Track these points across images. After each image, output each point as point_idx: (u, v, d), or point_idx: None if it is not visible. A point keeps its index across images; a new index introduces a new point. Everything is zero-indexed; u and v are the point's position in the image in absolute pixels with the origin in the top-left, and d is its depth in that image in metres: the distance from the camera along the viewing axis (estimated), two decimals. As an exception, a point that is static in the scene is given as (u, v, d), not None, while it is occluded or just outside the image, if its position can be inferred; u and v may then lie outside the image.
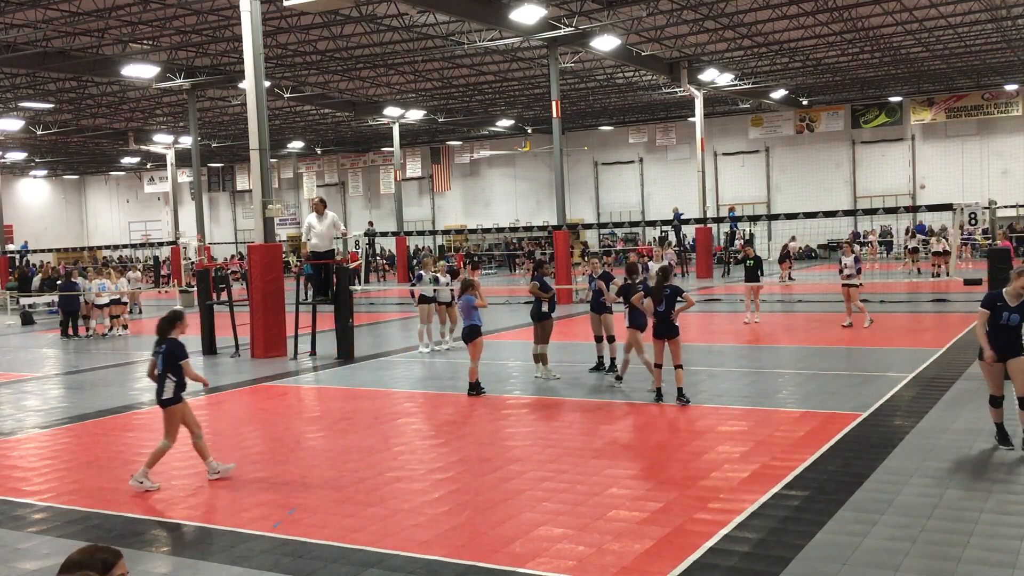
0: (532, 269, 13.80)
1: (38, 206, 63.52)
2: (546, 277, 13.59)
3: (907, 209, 27.72)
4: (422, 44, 28.50)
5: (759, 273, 19.08)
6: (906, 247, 29.74)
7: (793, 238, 32.65)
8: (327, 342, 17.29)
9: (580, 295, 25.60)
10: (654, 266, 17.37)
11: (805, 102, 43.89)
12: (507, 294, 29.60)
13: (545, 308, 13.15)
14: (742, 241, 38.00)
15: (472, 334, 12.32)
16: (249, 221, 55.63)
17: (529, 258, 40.52)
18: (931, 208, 21.31)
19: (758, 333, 17.75)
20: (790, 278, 30.29)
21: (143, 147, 44.30)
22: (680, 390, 11.03)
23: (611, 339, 13.56)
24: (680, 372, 11.07)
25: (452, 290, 16.91)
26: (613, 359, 13.54)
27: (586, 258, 28.58)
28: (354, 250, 20.08)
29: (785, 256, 31.09)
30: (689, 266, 36.75)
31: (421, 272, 17.53)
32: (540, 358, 13.27)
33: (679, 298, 11.05)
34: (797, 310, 22.64)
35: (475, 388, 12.33)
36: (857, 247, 28.46)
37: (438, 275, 17.65)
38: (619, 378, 12.56)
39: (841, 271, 18.24)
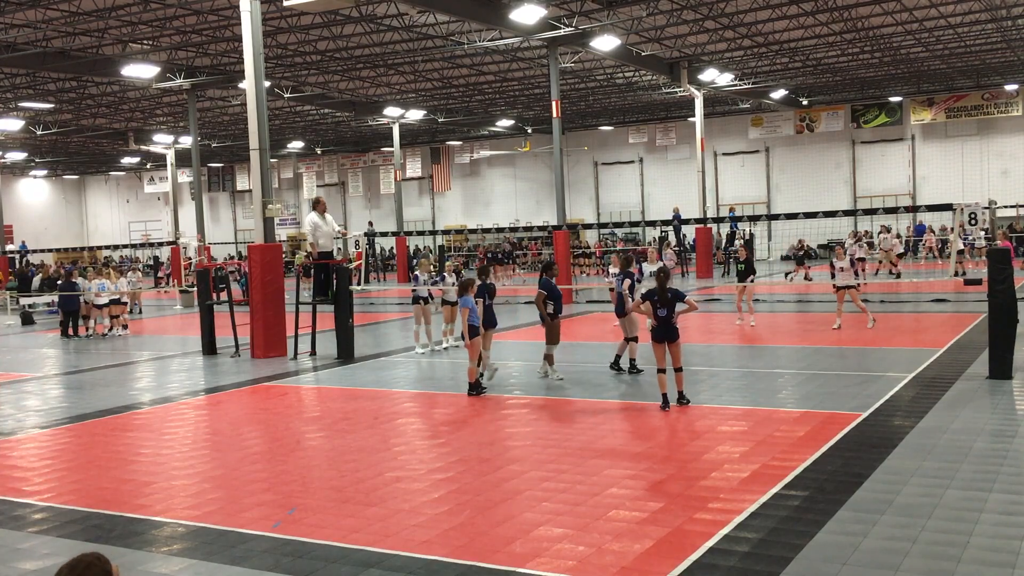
0: (541, 270, 13.84)
1: (38, 206, 63.54)
2: (553, 279, 13.54)
3: (907, 209, 27.78)
4: (422, 44, 28.52)
5: (749, 275, 19.13)
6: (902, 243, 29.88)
7: (800, 240, 32.62)
8: (327, 342, 17.29)
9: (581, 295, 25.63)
10: (648, 267, 17.32)
11: (805, 102, 43.91)
12: (507, 294, 29.59)
13: (551, 309, 13.16)
14: (741, 242, 38.04)
15: (470, 333, 12.34)
16: (249, 221, 55.66)
17: (495, 262, 40.19)
18: (931, 208, 21.31)
19: (757, 333, 17.75)
20: (792, 279, 30.30)
21: (143, 147, 44.33)
22: (681, 393, 10.94)
23: (634, 339, 13.56)
24: (680, 375, 10.96)
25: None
26: (632, 359, 13.46)
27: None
28: (358, 250, 20.07)
29: (804, 256, 31.09)
30: (689, 266, 36.77)
31: (417, 273, 17.49)
32: (547, 358, 13.26)
33: (682, 302, 10.96)
34: (797, 310, 22.64)
35: (475, 388, 12.33)
36: (853, 247, 28.69)
37: (445, 274, 17.68)
38: (481, 384, 12.59)
39: (833, 275, 17.90)
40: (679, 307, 10.93)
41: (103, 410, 12.45)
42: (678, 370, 10.91)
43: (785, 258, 38.94)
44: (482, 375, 12.73)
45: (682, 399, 10.94)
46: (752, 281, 18.89)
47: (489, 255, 41.01)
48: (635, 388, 12.44)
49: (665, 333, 10.81)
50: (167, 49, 27.98)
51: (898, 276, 28.92)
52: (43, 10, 22.82)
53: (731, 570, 5.88)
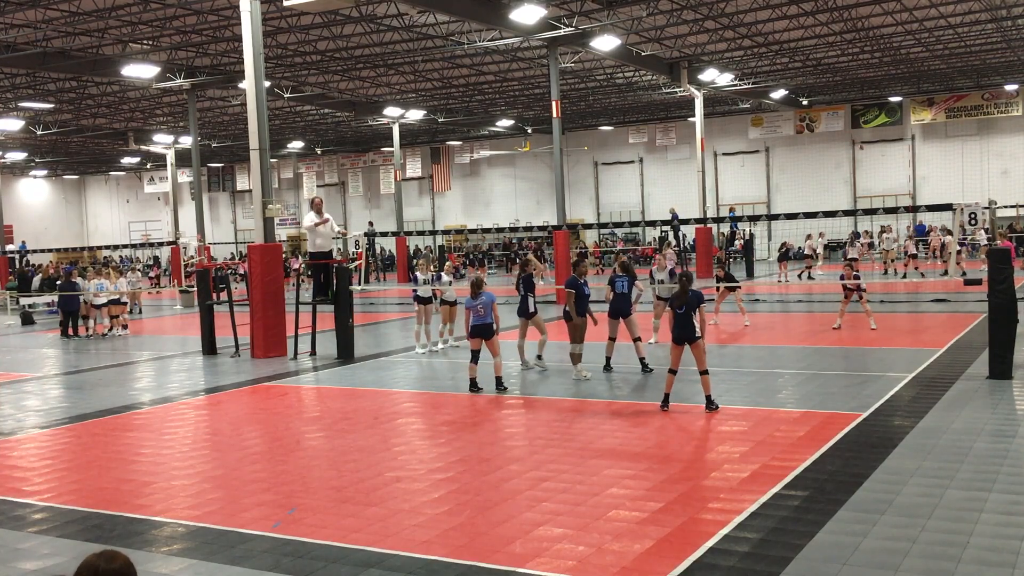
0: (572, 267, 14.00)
1: (38, 206, 63.53)
2: (583, 278, 13.63)
3: (907, 209, 27.79)
4: (422, 44, 28.51)
5: (731, 282, 19.55)
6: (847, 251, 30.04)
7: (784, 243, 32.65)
8: (327, 342, 17.28)
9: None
10: (657, 274, 17.17)
11: (805, 102, 43.90)
12: (507, 294, 29.58)
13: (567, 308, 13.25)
14: (741, 242, 38.08)
15: (488, 331, 12.40)
16: (249, 221, 55.64)
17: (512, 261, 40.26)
18: (931, 208, 21.29)
19: (756, 333, 17.74)
20: (784, 279, 30.38)
21: (143, 147, 44.33)
22: (708, 397, 10.64)
23: (638, 339, 13.60)
24: (706, 378, 10.65)
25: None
26: (643, 359, 13.44)
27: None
28: (359, 250, 20.14)
29: (784, 256, 31.14)
30: (689, 266, 36.76)
31: (417, 274, 17.48)
32: (572, 357, 13.26)
33: (702, 303, 10.65)
34: (796, 310, 22.64)
35: (499, 384, 12.40)
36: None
37: (442, 274, 17.68)
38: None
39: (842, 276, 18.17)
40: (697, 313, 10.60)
41: (103, 410, 12.45)
42: (703, 373, 10.63)
43: (780, 260, 38.98)
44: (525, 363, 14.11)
45: (710, 404, 10.58)
46: (739, 288, 19.25)
47: (476, 255, 41.00)
48: (635, 388, 12.45)
49: (684, 333, 10.54)
50: (167, 49, 27.97)
51: (904, 276, 28.85)
52: (43, 10, 22.82)
53: (731, 570, 5.88)
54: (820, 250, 34.09)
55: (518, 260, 18.92)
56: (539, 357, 14.14)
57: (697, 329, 10.57)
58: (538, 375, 13.68)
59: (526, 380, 13.35)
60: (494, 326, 12.50)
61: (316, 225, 16.85)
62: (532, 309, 14.17)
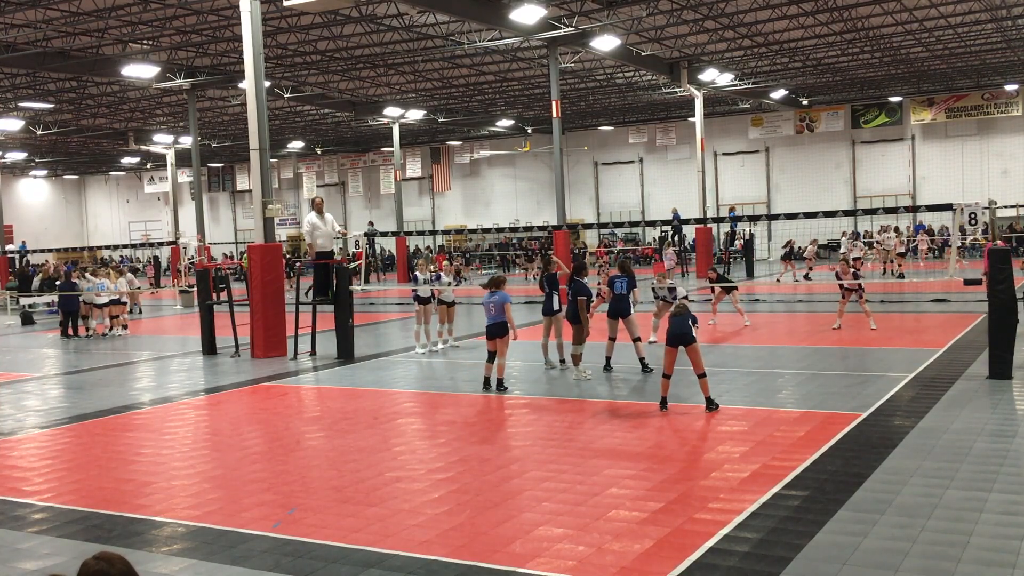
0: (571, 273, 13.89)
1: (38, 206, 63.55)
2: (587, 279, 13.66)
3: (907, 209, 27.81)
4: (422, 44, 28.53)
5: (726, 282, 19.72)
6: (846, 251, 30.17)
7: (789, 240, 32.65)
8: (327, 342, 17.28)
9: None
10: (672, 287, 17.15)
11: (805, 102, 43.92)
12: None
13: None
14: (741, 242, 38.09)
15: (499, 330, 12.38)
16: (249, 221, 55.66)
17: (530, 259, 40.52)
18: (931, 208, 21.28)
19: (756, 333, 17.74)
20: (791, 279, 30.34)
21: (143, 147, 44.37)
22: (708, 399, 10.60)
23: (638, 339, 13.64)
24: (704, 381, 10.59)
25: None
26: (643, 359, 13.47)
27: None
28: (359, 250, 20.13)
29: (788, 254, 31.13)
30: (689, 266, 36.77)
31: (417, 273, 17.47)
32: (576, 358, 13.28)
33: (694, 325, 10.65)
34: (796, 310, 22.64)
35: (500, 386, 12.38)
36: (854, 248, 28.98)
37: (441, 274, 17.63)
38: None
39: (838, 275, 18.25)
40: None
41: (103, 410, 12.45)
42: (701, 376, 10.56)
43: (784, 259, 39.05)
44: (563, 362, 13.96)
45: (710, 405, 10.54)
46: (736, 289, 19.30)
47: (457, 254, 40.70)
48: (635, 388, 12.45)
49: (679, 335, 10.47)
50: (167, 49, 27.99)
51: (901, 276, 28.89)
52: (43, 10, 22.84)
53: (731, 570, 5.88)
54: (844, 250, 33.94)
55: (542, 258, 18.94)
56: (563, 361, 14.12)
57: (693, 332, 10.57)
58: (553, 376, 13.63)
59: (527, 380, 13.35)
60: (507, 326, 12.48)
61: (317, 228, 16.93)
62: (557, 307, 14.15)
